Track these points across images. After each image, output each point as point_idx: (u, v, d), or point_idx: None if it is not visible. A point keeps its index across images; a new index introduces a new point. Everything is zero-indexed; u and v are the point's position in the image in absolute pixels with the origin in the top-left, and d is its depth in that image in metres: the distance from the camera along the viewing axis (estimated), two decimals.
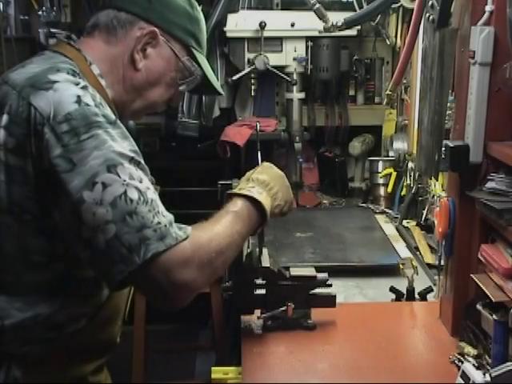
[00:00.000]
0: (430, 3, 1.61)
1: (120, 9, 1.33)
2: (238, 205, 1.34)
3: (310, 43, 3.01)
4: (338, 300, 1.73)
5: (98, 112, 1.15)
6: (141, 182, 1.14)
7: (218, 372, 1.69)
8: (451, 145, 1.50)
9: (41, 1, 3.62)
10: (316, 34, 2.78)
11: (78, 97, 1.14)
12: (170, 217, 1.17)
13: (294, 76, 3.04)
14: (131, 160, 1.15)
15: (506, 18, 1.29)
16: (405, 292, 1.87)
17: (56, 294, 1.24)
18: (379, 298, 1.95)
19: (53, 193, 1.13)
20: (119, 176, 1.11)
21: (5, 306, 1.21)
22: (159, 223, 1.12)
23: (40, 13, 3.69)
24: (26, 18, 3.77)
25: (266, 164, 1.52)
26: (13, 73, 1.23)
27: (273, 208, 1.42)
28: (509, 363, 1.27)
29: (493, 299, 1.36)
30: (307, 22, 2.83)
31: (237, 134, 3.00)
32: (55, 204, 1.15)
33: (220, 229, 1.25)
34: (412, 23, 1.79)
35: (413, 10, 1.80)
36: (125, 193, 1.10)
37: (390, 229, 2.55)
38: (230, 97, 3.24)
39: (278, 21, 2.99)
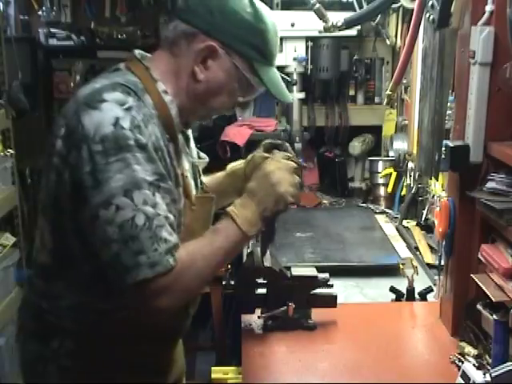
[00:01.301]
0: (430, 3, 1.61)
1: (184, 21, 1.37)
2: (222, 222, 1.38)
3: (310, 43, 3.01)
4: (338, 300, 1.73)
5: (131, 136, 1.23)
6: (153, 207, 1.24)
7: (218, 372, 1.70)
8: (451, 145, 1.50)
9: (41, 1, 3.62)
10: (316, 34, 2.78)
11: (117, 119, 1.24)
12: (172, 244, 1.25)
13: (294, 76, 3.04)
14: (150, 184, 1.24)
15: (506, 17, 1.29)
16: (405, 292, 1.87)
17: (101, 284, 1.32)
18: (379, 298, 1.95)
19: (79, 201, 1.25)
20: (133, 201, 1.22)
21: (61, 289, 1.36)
22: (156, 250, 1.22)
23: (40, 13, 3.70)
24: (26, 18, 3.78)
25: (255, 161, 1.50)
26: (82, 87, 1.33)
27: (261, 214, 1.39)
28: (509, 363, 1.27)
29: (493, 299, 1.36)
30: (307, 22, 2.83)
31: (237, 133, 3.00)
32: (79, 211, 1.26)
33: (203, 249, 1.33)
34: (412, 23, 1.79)
35: (413, 10, 1.81)
36: (133, 218, 1.21)
37: (390, 229, 2.55)
38: None
39: (278, 21, 2.96)
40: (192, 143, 1.58)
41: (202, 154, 1.69)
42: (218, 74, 1.38)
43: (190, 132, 1.57)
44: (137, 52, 1.41)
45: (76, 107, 1.27)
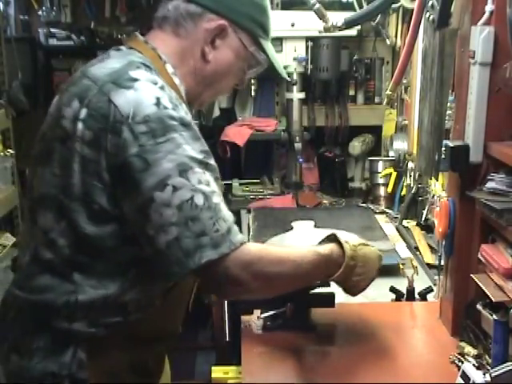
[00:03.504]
0: (430, 3, 1.60)
1: (189, 0, 1.33)
2: (333, 251, 1.44)
3: (310, 43, 3.01)
4: (338, 300, 1.72)
5: (175, 115, 1.19)
6: (208, 185, 1.19)
7: (218, 371, 1.69)
8: (451, 145, 1.50)
9: (41, 1, 3.62)
10: (316, 34, 2.77)
11: (158, 99, 1.18)
12: (231, 221, 1.22)
13: (294, 76, 3.04)
14: (201, 163, 1.19)
15: (506, 17, 1.29)
16: (405, 292, 1.87)
17: (126, 276, 1.28)
18: (379, 298, 1.95)
19: (124, 187, 1.19)
20: (189, 181, 1.16)
21: (80, 282, 1.26)
22: (218, 231, 1.17)
23: (40, 13, 3.69)
24: (26, 18, 3.77)
25: (375, 251, 1.58)
26: (93, 67, 1.27)
27: (351, 274, 1.50)
28: (509, 363, 1.27)
29: (493, 299, 1.36)
30: (307, 22, 2.83)
31: (237, 133, 3.00)
32: (125, 198, 1.19)
33: (297, 258, 1.35)
34: (412, 23, 1.78)
35: (413, 10, 1.80)
36: (192, 198, 1.16)
37: (390, 229, 2.55)
38: (230, 97, 3.24)
39: (278, 21, 2.98)
40: None
41: None
42: (226, 53, 1.36)
43: None
44: (138, 34, 1.37)
45: (99, 88, 1.20)
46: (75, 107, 1.22)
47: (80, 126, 1.20)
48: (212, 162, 1.24)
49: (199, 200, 1.16)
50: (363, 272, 1.51)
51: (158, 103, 1.17)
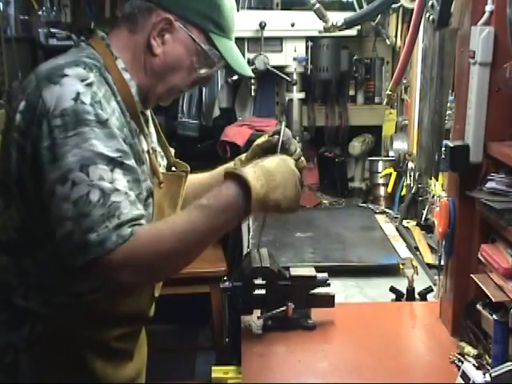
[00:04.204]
0: (430, 3, 1.60)
1: None
2: (221, 193, 1.28)
3: (310, 43, 3.01)
4: (338, 300, 1.73)
5: (91, 110, 1.22)
6: (111, 182, 1.21)
7: (218, 371, 1.70)
8: (451, 145, 1.50)
9: (41, 1, 3.62)
10: (316, 34, 2.78)
11: (78, 94, 1.23)
12: (126, 218, 1.20)
13: (294, 76, 3.04)
14: (111, 160, 1.22)
15: (506, 18, 1.29)
16: (405, 292, 1.87)
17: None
18: (379, 298, 1.95)
19: (36, 178, 1.25)
20: (88, 176, 1.19)
21: (29, 266, 1.35)
22: (106, 227, 1.18)
23: (40, 13, 3.69)
24: (26, 18, 3.77)
25: (282, 157, 1.41)
26: (45, 63, 1.33)
27: (268, 199, 1.31)
28: (509, 363, 1.27)
29: (493, 299, 1.36)
30: (307, 22, 2.83)
31: (237, 133, 3.00)
32: (41, 187, 1.24)
33: (181, 227, 1.25)
34: (412, 23, 1.78)
35: (413, 10, 1.80)
36: (87, 194, 1.18)
37: (390, 229, 2.55)
38: (230, 97, 3.24)
39: (278, 21, 2.99)
40: (152, 127, 1.55)
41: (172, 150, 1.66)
42: (175, 47, 1.38)
43: (149, 114, 1.54)
44: (99, 31, 1.43)
45: (37, 82, 1.27)
46: (19, 99, 1.29)
47: (18, 116, 1.27)
48: (129, 162, 1.26)
49: (94, 196, 1.18)
50: (278, 188, 1.33)
51: (76, 98, 1.22)
